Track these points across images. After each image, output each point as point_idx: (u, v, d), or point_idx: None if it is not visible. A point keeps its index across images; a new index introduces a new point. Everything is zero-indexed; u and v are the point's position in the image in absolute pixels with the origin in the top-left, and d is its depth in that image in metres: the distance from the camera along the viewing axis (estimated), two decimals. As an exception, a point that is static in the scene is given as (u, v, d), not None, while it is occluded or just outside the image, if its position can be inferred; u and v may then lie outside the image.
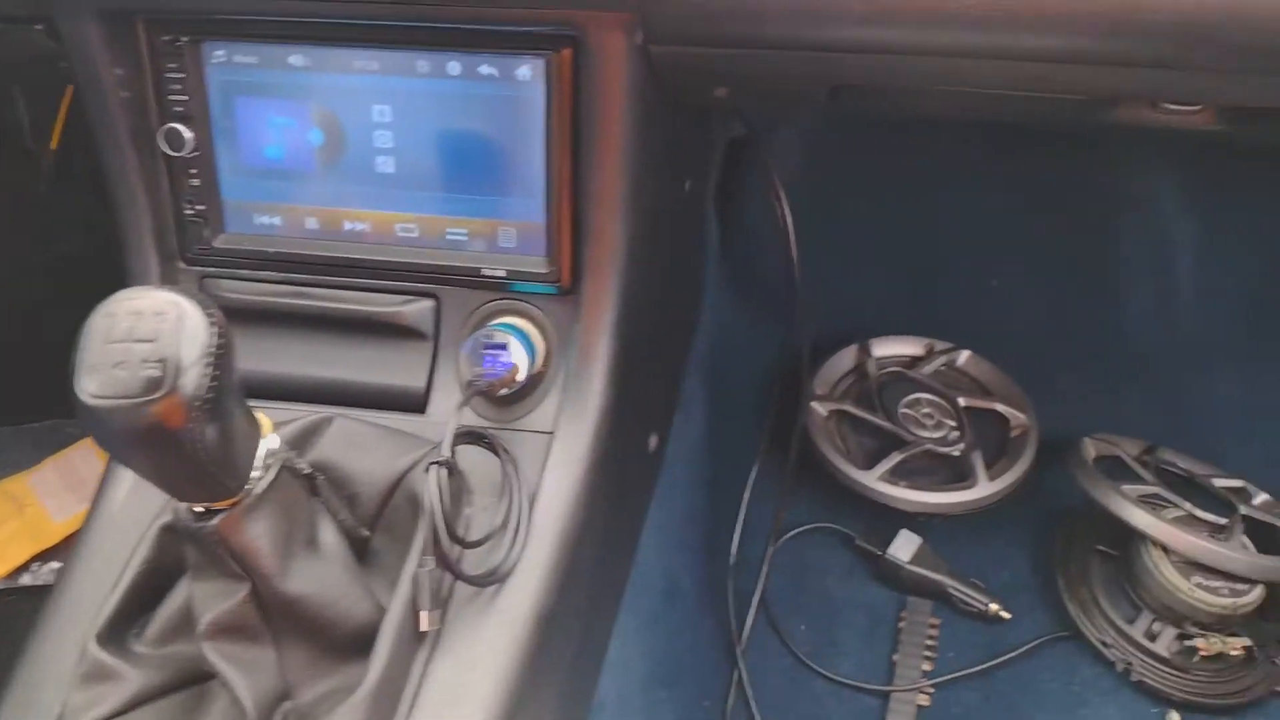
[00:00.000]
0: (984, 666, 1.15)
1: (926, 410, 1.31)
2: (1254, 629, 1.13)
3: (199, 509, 0.61)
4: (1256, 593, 1.09)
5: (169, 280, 0.84)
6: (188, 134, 0.79)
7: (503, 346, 0.79)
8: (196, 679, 0.67)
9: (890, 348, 1.39)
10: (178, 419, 0.52)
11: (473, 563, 0.71)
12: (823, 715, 1.13)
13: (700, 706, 1.14)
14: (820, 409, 1.29)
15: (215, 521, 0.60)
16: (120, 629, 0.67)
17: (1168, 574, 1.10)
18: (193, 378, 0.52)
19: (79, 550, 0.75)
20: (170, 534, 0.71)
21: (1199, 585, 1.09)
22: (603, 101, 0.72)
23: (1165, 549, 1.11)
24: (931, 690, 1.13)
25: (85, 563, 0.74)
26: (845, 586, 1.24)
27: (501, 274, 0.81)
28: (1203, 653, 1.10)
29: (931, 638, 1.18)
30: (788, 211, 1.15)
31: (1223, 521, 1.14)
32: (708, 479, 1.30)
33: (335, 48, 0.77)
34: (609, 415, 0.80)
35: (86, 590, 0.72)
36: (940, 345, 1.39)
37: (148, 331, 0.53)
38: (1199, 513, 1.15)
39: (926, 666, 1.15)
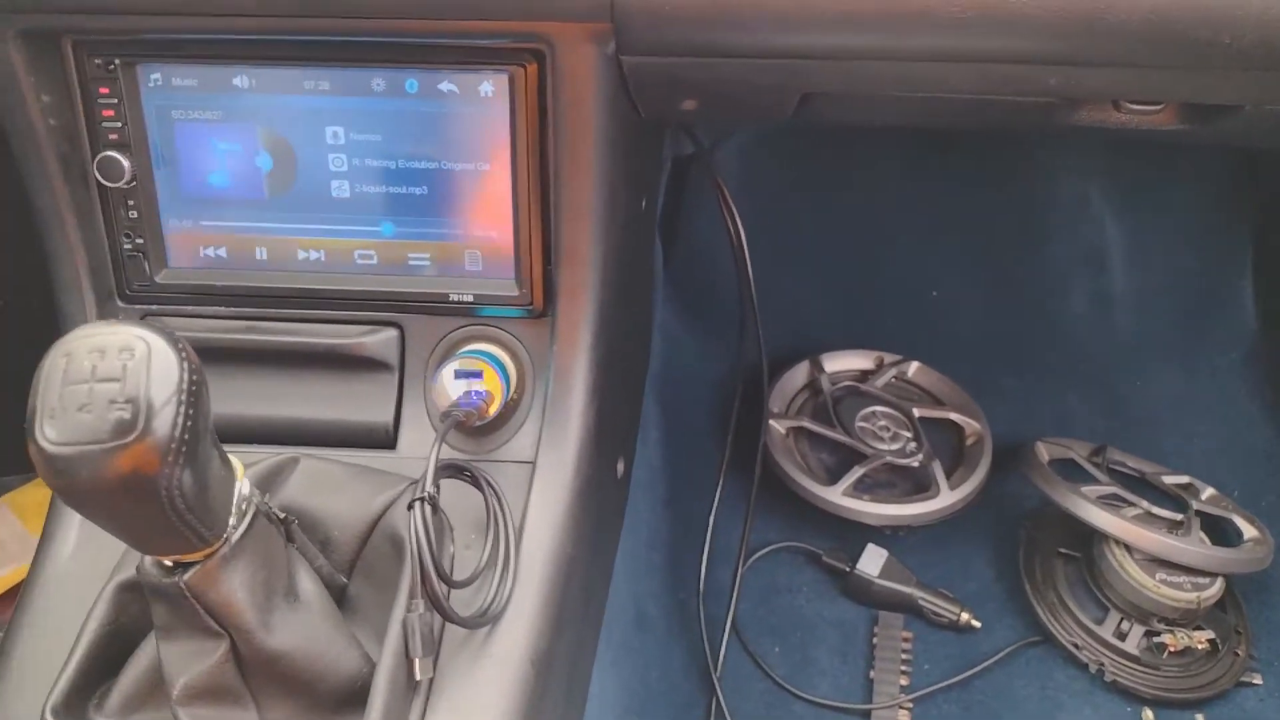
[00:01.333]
0: (961, 677, 1.14)
1: (883, 423, 1.31)
2: (1215, 622, 1.14)
3: (168, 562, 0.56)
4: (1217, 585, 1.11)
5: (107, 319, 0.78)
6: (125, 162, 0.74)
7: (478, 374, 0.75)
8: (165, 751, 0.61)
9: (841, 362, 1.39)
10: (152, 465, 0.48)
11: (462, 603, 0.66)
12: (804, 739, 1.11)
13: (678, 738, 1.11)
14: (779, 427, 1.28)
15: (188, 576, 0.55)
16: (78, 700, 0.61)
17: (1133, 572, 1.11)
18: (166, 419, 0.48)
19: (21, 614, 0.69)
20: (130, 592, 0.65)
21: (1163, 581, 1.10)
22: (573, 115, 0.70)
23: (1128, 548, 1.12)
24: (911, 705, 1.12)
25: (30, 628, 0.68)
26: (815, 605, 1.22)
27: (469, 299, 0.78)
28: (1171, 648, 1.11)
29: (906, 651, 1.16)
30: (741, 228, 1.14)
31: (1179, 518, 1.16)
32: (667, 502, 1.27)
33: (282, 67, 0.73)
34: (589, 441, 0.77)
35: (33, 658, 0.66)
36: (889, 358, 1.39)
37: (113, 370, 0.48)
38: (1155, 510, 1.16)
39: (904, 681, 1.14)
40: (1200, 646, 1.12)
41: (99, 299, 0.77)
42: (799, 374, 1.37)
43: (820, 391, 1.35)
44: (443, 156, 0.75)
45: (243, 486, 0.57)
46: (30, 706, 0.62)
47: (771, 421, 1.27)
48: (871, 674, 1.15)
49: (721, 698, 1.11)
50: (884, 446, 1.27)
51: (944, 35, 0.64)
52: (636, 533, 1.13)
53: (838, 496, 1.21)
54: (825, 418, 1.31)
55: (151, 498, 0.49)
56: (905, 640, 1.17)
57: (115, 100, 0.73)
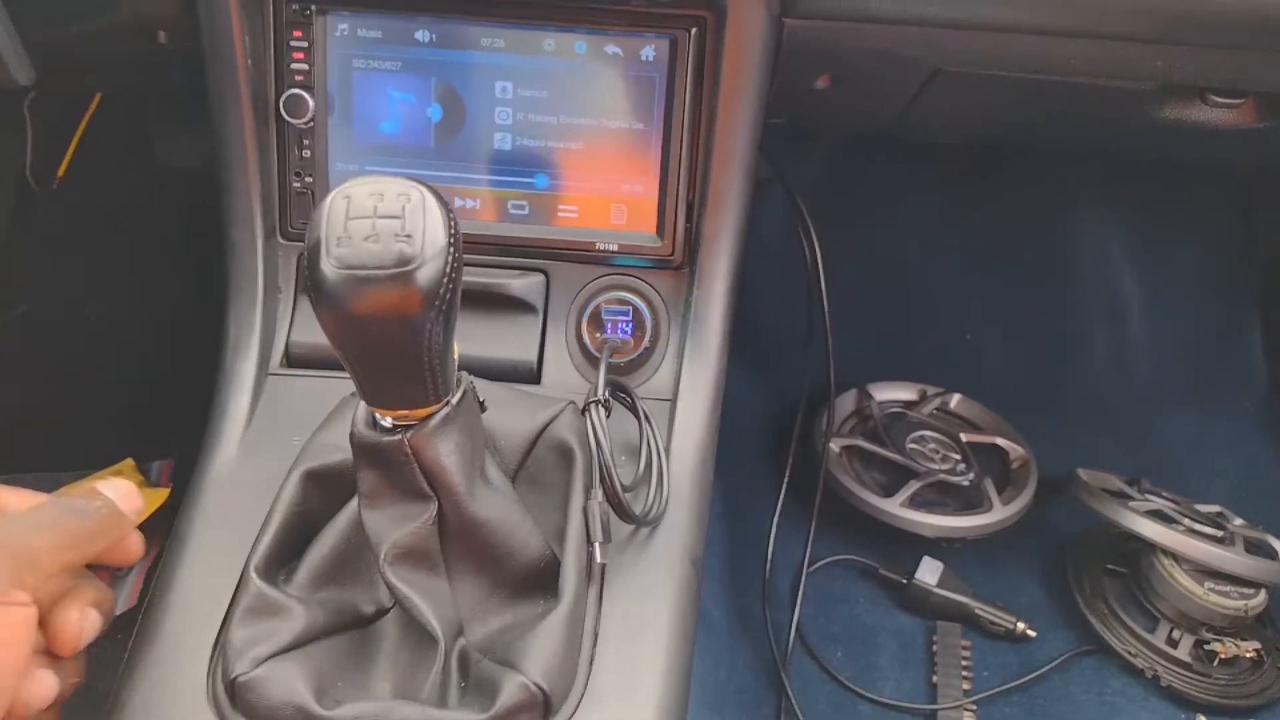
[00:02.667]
0: (1021, 681, 1.16)
1: (932, 445, 1.36)
2: (1259, 635, 1.19)
3: (387, 422, 0.59)
4: (1262, 596, 1.16)
5: (269, 255, 0.82)
6: (310, 100, 0.79)
7: (625, 312, 0.80)
8: (355, 623, 0.63)
9: (887, 393, 1.45)
10: (424, 299, 0.51)
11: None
12: (873, 736, 1.12)
13: (751, 733, 1.11)
14: (834, 445, 1.33)
15: (411, 434, 0.58)
16: (270, 572, 0.63)
17: (1183, 581, 1.16)
18: (440, 258, 0.51)
19: (195, 499, 0.71)
20: (313, 481, 0.68)
21: (1212, 590, 1.15)
22: (735, 74, 0.77)
23: (1177, 558, 1.17)
24: (974, 708, 1.14)
25: (206, 509, 0.70)
26: (874, 614, 1.25)
27: (614, 249, 0.83)
28: (1221, 655, 1.15)
29: (965, 658, 1.19)
30: (819, 253, 1.21)
31: (1221, 533, 1.21)
32: (723, 516, 1.30)
33: (462, 23, 0.80)
34: (722, 383, 0.82)
35: (214, 535, 0.68)
36: (932, 389, 1.46)
37: (393, 209, 0.52)
38: (1198, 526, 1.22)
39: (965, 685, 1.16)
40: (1248, 655, 1.16)
41: (265, 233, 0.81)
42: (848, 401, 1.43)
43: (870, 417, 1.40)
44: (601, 115, 0.82)
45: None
46: (217, 578, 0.64)
47: (829, 440, 1.32)
48: (934, 679, 1.17)
49: (792, 695, 1.13)
50: (934, 466, 1.33)
51: (1073, 9, 0.73)
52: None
53: (895, 508, 1.26)
54: (877, 439, 1.36)
55: (415, 334, 0.52)
56: (964, 648, 1.20)
57: (306, 44, 0.79)
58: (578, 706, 0.60)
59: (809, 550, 1.25)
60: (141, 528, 1.23)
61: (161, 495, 1.25)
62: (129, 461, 1.30)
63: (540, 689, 0.57)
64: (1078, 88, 0.83)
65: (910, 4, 0.74)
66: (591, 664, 0.62)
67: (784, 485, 1.28)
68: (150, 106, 1.39)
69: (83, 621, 0.55)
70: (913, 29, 0.76)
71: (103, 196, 1.38)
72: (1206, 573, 1.16)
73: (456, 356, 0.60)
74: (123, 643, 1.20)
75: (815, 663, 1.19)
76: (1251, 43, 0.74)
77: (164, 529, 1.23)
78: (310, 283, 0.51)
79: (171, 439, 1.34)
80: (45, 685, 0.53)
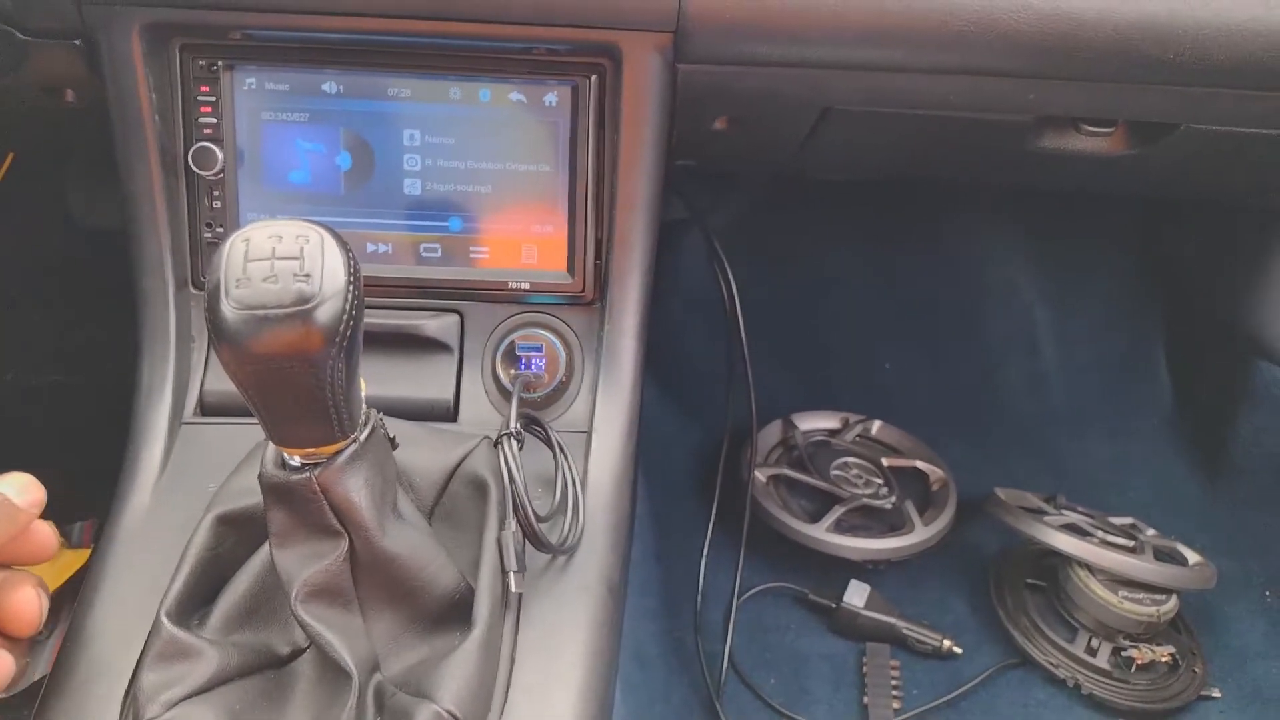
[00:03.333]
0: (950, 697, 1.19)
1: (855, 471, 1.40)
2: (1173, 640, 1.23)
3: (295, 461, 0.60)
4: (1173, 601, 1.21)
5: (181, 305, 0.83)
6: (219, 153, 0.81)
7: (538, 348, 0.83)
8: (270, 664, 0.63)
9: (811, 422, 1.49)
10: (324, 337, 0.52)
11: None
12: (807, 761, 1.14)
13: (686, 765, 1.12)
14: (760, 475, 1.36)
15: (319, 472, 0.59)
16: (183, 616, 0.63)
17: (1098, 591, 1.20)
18: (339, 296, 0.52)
19: (108, 547, 0.71)
20: (226, 525, 0.68)
21: (1126, 598, 1.20)
22: (634, 116, 0.80)
23: (1092, 569, 1.22)
24: (904, 726, 1.17)
25: (118, 558, 0.70)
26: (805, 640, 1.27)
27: (525, 287, 0.85)
28: (1138, 661, 1.19)
29: (895, 678, 1.21)
30: (735, 291, 1.25)
31: (1132, 544, 1.26)
32: (656, 554, 1.32)
33: (369, 74, 0.82)
34: (636, 415, 0.84)
35: (126, 583, 0.68)
36: (854, 417, 1.50)
37: (291, 250, 0.53)
38: (1110, 538, 1.27)
39: (896, 705, 1.19)
40: (1164, 660, 1.21)
41: (176, 284, 0.82)
42: (773, 432, 1.46)
43: (795, 446, 1.43)
44: (508, 159, 0.84)
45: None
46: (127, 623, 0.64)
47: (755, 470, 1.35)
48: (865, 700, 1.19)
49: (726, 721, 1.14)
50: (858, 490, 1.36)
51: (947, 49, 0.78)
52: (630, 579, 1.18)
53: (821, 533, 1.29)
54: (802, 468, 1.39)
55: (317, 371, 0.54)
56: (893, 668, 1.23)
57: (213, 99, 0.81)
58: None
59: (738, 579, 1.27)
60: (62, 589, 1.21)
61: (83, 556, 1.22)
62: (48, 523, 1.28)
63: (454, 717, 0.58)
64: (960, 121, 0.88)
65: (792, 48, 0.78)
66: (508, 689, 0.63)
67: (712, 516, 1.30)
68: (65, 166, 1.39)
69: (39, 600, 0.56)
70: (798, 71, 0.80)
71: (18, 258, 1.37)
72: (1120, 582, 1.21)
73: (364, 393, 0.62)
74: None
75: (749, 690, 1.20)
76: (1114, 75, 0.80)
77: (85, 590, 1.21)
78: (211, 325, 0.53)
79: (93, 500, 1.32)
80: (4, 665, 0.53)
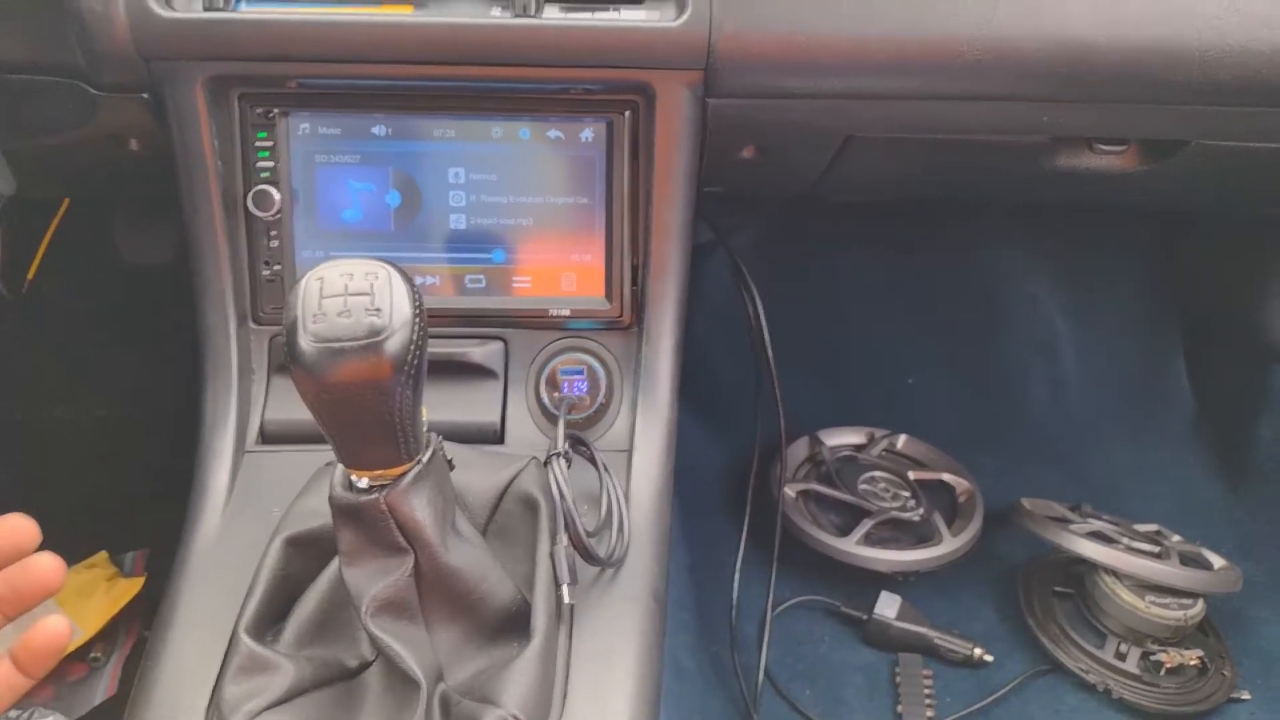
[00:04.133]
0: (982, 705, 1.22)
1: (882, 485, 1.43)
2: (1201, 644, 1.26)
3: (362, 484, 0.64)
4: (1199, 605, 1.23)
5: (242, 340, 0.87)
6: (276, 195, 0.86)
7: (580, 372, 0.87)
8: (341, 676, 0.67)
9: (837, 438, 1.52)
10: (393, 366, 0.56)
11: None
12: (844, 768, 1.17)
13: (726, 774, 1.15)
14: (789, 491, 1.39)
15: (387, 493, 0.63)
16: (258, 632, 0.67)
17: (1125, 597, 1.23)
18: (407, 328, 0.57)
19: (182, 569, 0.75)
20: (294, 547, 0.72)
21: (1153, 603, 1.22)
22: (667, 145, 0.85)
23: (1119, 575, 1.24)
24: (940, 733, 1.19)
25: (192, 579, 0.74)
26: (838, 651, 1.30)
27: (566, 314, 0.90)
28: (1166, 665, 1.22)
29: (928, 687, 1.24)
30: (761, 311, 1.29)
31: (1158, 549, 1.28)
32: (689, 568, 1.36)
33: (415, 117, 0.87)
34: (674, 433, 0.88)
35: (201, 603, 0.72)
36: (880, 432, 1.53)
37: (362, 286, 0.58)
38: (1136, 544, 1.29)
39: (929, 713, 1.21)
40: (1192, 664, 1.23)
41: (238, 319, 0.87)
42: (800, 448, 1.49)
43: (823, 461, 1.47)
44: (547, 192, 0.89)
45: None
46: (206, 642, 0.68)
47: (784, 486, 1.38)
48: (899, 709, 1.22)
49: (764, 732, 1.17)
50: (886, 504, 1.39)
51: (962, 77, 0.82)
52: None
53: (852, 546, 1.32)
54: (830, 482, 1.42)
55: (387, 398, 0.58)
56: (926, 677, 1.25)
57: (271, 144, 0.86)
58: None
59: (771, 594, 1.30)
60: (118, 616, 1.26)
61: (136, 584, 1.27)
62: (103, 554, 1.33)
63: None
64: (977, 144, 0.92)
65: (816, 80, 0.82)
66: (565, 695, 0.67)
67: (744, 533, 1.33)
68: (115, 208, 1.45)
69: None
70: (822, 102, 0.84)
71: (71, 297, 1.43)
72: (1147, 587, 1.23)
73: (425, 419, 0.66)
74: (106, 733, 1.21)
75: (785, 702, 1.23)
76: (1123, 96, 0.84)
77: (140, 616, 1.26)
78: (290, 357, 0.57)
79: (143, 531, 1.37)
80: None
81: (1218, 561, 1.31)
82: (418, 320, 0.58)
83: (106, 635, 1.22)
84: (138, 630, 1.25)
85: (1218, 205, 1.25)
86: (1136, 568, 1.23)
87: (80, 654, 1.19)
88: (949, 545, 1.32)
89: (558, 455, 0.75)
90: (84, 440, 1.48)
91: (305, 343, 0.56)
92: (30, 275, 1.25)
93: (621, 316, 0.90)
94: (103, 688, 1.18)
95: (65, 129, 0.86)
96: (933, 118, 0.87)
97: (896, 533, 1.37)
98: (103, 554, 1.32)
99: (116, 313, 1.48)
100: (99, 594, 1.23)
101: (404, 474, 0.63)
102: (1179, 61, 0.81)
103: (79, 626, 1.20)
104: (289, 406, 0.87)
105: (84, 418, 1.49)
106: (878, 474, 1.45)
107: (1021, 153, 0.94)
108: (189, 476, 0.83)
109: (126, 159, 0.92)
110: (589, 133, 0.88)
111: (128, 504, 1.38)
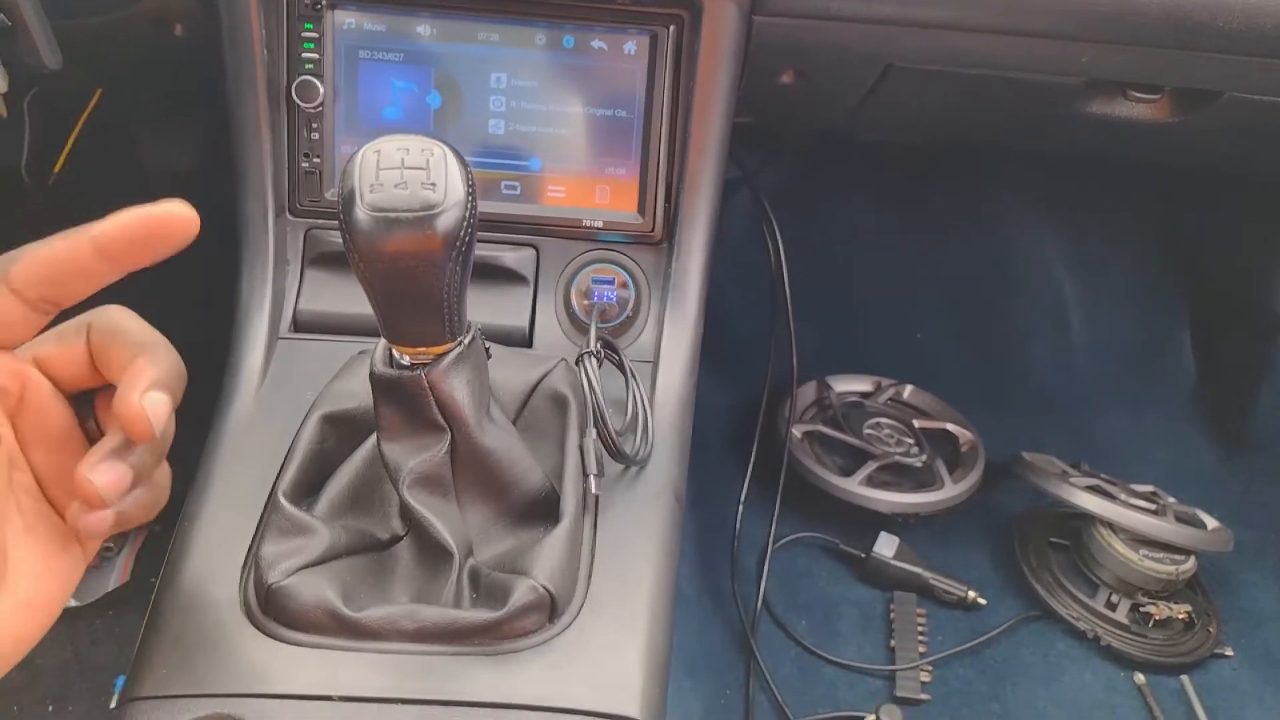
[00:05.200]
0: (973, 643, 1.25)
1: (887, 431, 1.45)
2: (1190, 600, 1.29)
3: (405, 360, 0.65)
4: (1191, 562, 1.26)
5: (279, 230, 0.88)
6: (321, 87, 0.86)
7: (610, 281, 0.88)
8: (373, 547, 0.69)
9: (844, 384, 1.54)
10: (446, 240, 0.57)
11: (611, 453, 0.77)
12: (835, 695, 1.20)
13: (722, 695, 1.18)
14: (796, 431, 1.41)
15: (429, 370, 0.64)
16: (295, 500, 0.69)
17: (1120, 549, 1.26)
18: (461, 204, 0.57)
19: (216, 443, 0.76)
20: (330, 424, 0.74)
21: (1147, 556, 1.25)
22: (710, 62, 0.85)
23: (1114, 529, 1.27)
24: (930, 668, 1.22)
25: (226, 452, 0.75)
26: (835, 587, 1.33)
27: (599, 225, 0.91)
28: (1155, 617, 1.25)
29: (921, 625, 1.27)
30: (782, 252, 1.30)
31: (1154, 506, 1.31)
32: (693, 501, 1.38)
33: (461, 18, 0.87)
34: (698, 348, 0.90)
35: (236, 474, 0.74)
36: (886, 381, 1.55)
37: (419, 161, 0.58)
38: (1133, 500, 1.32)
39: (922, 649, 1.24)
40: (1180, 618, 1.26)
41: (276, 209, 0.88)
42: (808, 392, 1.51)
43: (829, 406, 1.49)
44: (587, 103, 0.89)
45: None
46: (242, 511, 0.70)
47: (792, 426, 1.40)
48: (892, 643, 1.25)
49: (760, 658, 1.20)
50: (890, 449, 1.41)
51: (1008, 11, 0.83)
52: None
53: (854, 487, 1.34)
54: (836, 426, 1.45)
55: (437, 273, 0.59)
56: (920, 616, 1.28)
57: (316, 36, 0.86)
58: (579, 612, 0.67)
59: (774, 528, 1.33)
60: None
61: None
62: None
63: (548, 590, 0.64)
64: (1013, 83, 0.93)
65: (865, 3, 0.83)
66: (590, 579, 0.69)
67: (750, 469, 1.35)
68: (138, 111, 1.45)
69: (143, 401, 0.47)
70: (867, 26, 0.85)
71: (91, 197, 1.43)
72: (1141, 541, 1.26)
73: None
74: (114, 618, 1.24)
75: (781, 630, 1.26)
76: (1165, 41, 0.84)
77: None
78: (344, 226, 0.58)
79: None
80: (115, 474, 0.48)
81: (1211, 523, 1.34)
82: (470, 200, 0.59)
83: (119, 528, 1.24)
84: (148, 525, 1.27)
85: (1243, 163, 1.26)
86: (1134, 521, 1.25)
87: (94, 543, 1.21)
88: (949, 491, 1.35)
89: (590, 354, 0.77)
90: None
91: (361, 212, 0.57)
92: (57, 168, 1.25)
93: (653, 232, 0.91)
94: (115, 576, 1.20)
95: (110, 7, 0.86)
96: (974, 51, 0.88)
97: (898, 477, 1.40)
98: None
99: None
100: None
101: (446, 353, 0.64)
102: (1223, 8, 0.82)
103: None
104: (323, 297, 0.88)
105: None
106: (883, 420, 1.47)
107: (1056, 95, 0.95)
108: (212, 359, 0.84)
109: (169, 45, 0.93)
110: (632, 45, 0.88)
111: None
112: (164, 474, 0.55)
